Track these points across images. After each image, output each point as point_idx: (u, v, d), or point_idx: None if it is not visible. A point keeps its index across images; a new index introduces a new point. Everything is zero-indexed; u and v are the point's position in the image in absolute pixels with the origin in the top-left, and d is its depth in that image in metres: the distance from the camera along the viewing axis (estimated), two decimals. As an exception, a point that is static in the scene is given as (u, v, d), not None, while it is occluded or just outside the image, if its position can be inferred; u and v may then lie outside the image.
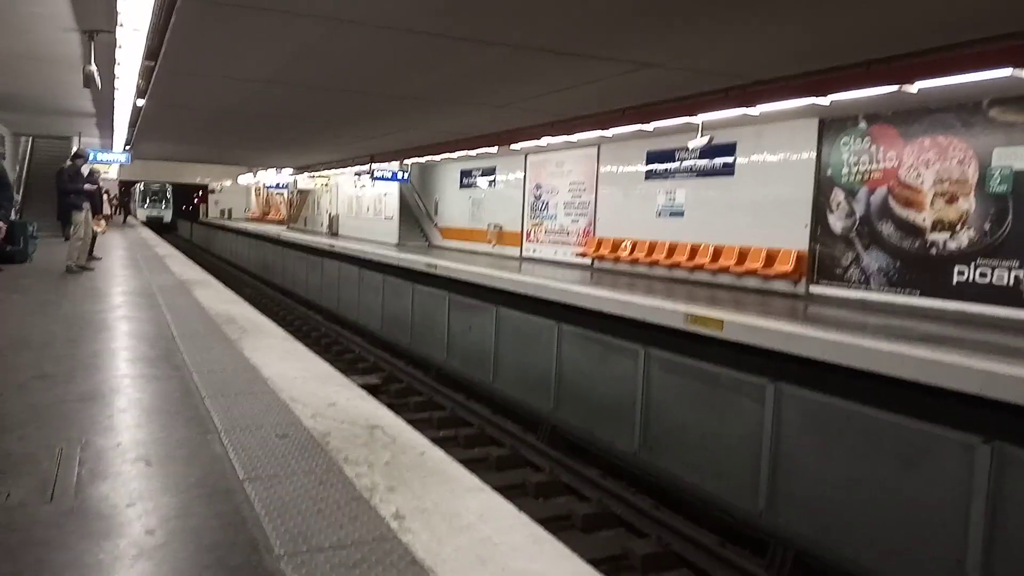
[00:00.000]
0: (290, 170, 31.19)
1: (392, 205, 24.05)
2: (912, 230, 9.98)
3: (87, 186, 11.79)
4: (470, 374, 12.11)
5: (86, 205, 11.60)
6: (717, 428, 6.98)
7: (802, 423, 6.12)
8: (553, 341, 9.75)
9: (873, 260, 10.54)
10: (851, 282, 10.87)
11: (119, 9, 6.49)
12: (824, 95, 8.50)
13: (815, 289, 11.41)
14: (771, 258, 12.03)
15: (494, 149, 16.30)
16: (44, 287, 9.44)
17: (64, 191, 11.28)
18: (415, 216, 24.33)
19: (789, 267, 11.67)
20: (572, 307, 9.74)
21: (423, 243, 23.56)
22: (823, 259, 11.32)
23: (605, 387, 8.71)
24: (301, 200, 34.70)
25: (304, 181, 32.18)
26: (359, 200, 26.96)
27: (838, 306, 10.48)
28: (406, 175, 22.31)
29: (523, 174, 18.86)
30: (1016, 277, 8.66)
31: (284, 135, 17.33)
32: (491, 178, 20.48)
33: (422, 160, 20.80)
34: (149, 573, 2.30)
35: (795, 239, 11.66)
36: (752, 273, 12.26)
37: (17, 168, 20.23)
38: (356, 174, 24.95)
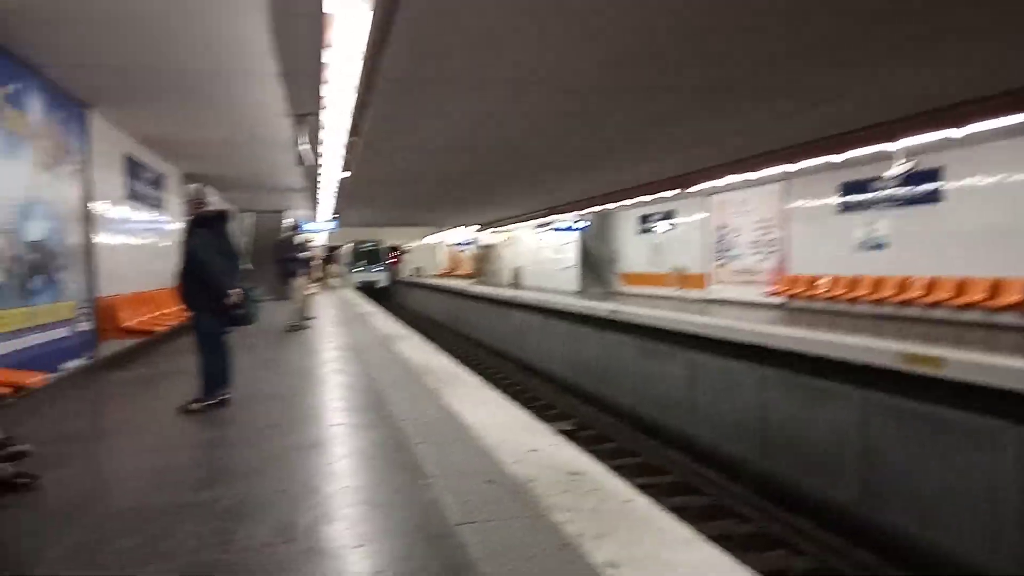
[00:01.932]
0: (475, 227, 32.63)
1: (572, 254, 24.38)
2: None
3: (303, 254, 12.99)
4: (664, 420, 11.81)
5: (302, 271, 12.77)
6: (952, 478, 6.26)
7: None
8: (755, 386, 9.31)
9: (1124, 285, 9.21)
10: (1098, 311, 9.55)
11: (322, 93, 7.19)
12: (1047, 106, 7.65)
13: (1053, 321, 10.12)
14: (996, 289, 10.85)
15: (673, 192, 16.12)
16: (268, 345, 10.42)
17: (283, 259, 12.51)
18: (595, 263, 24.48)
19: (1019, 297, 10.45)
20: (774, 350, 9.27)
21: (604, 289, 23.61)
22: (1060, 287, 10.05)
23: (816, 434, 8.14)
24: (485, 255, 36.11)
25: (487, 236, 33.49)
26: (540, 251, 27.59)
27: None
28: (585, 224, 22.58)
29: (704, 215, 18.47)
30: None
31: (467, 195, 18.25)
32: (671, 221, 20.25)
33: (600, 208, 20.99)
34: (382, 611, 2.43)
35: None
36: (973, 306, 11.10)
37: (244, 240, 22.76)
38: (537, 226, 25.61)
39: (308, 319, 13.85)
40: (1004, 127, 8.91)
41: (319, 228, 20.97)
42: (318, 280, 20.42)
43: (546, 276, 26.32)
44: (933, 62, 6.91)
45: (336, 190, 15.07)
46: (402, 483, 3.77)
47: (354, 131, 8.54)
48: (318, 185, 14.31)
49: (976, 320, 11.09)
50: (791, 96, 7.88)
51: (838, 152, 10.61)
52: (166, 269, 12.63)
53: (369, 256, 42.33)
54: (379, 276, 42.12)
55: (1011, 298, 10.59)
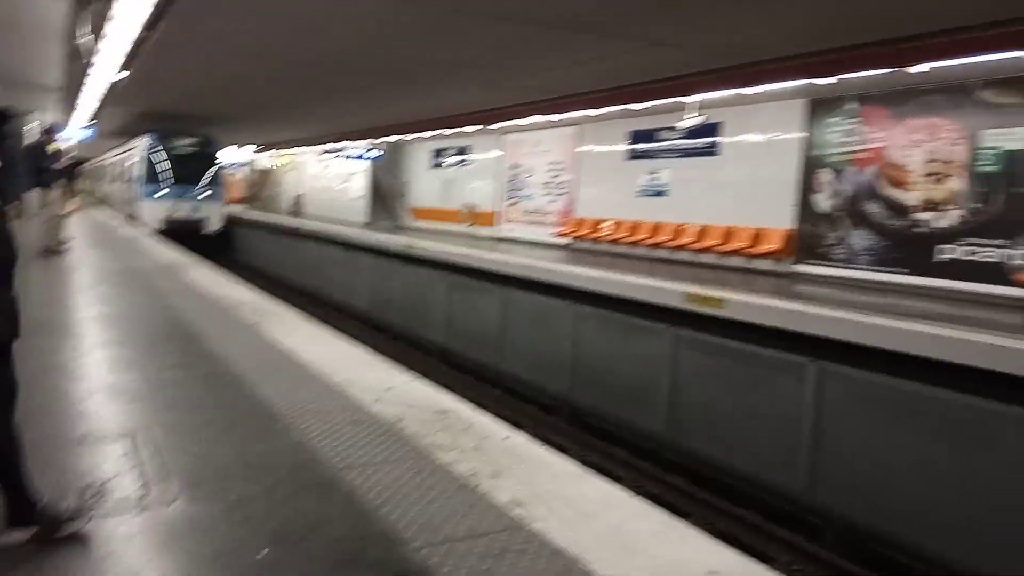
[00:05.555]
0: (251, 148, 30.46)
1: (361, 184, 23.65)
2: (900, 209, 10.16)
3: (57, 164, 11.28)
4: (476, 356, 11.98)
5: (58, 184, 11.10)
6: (755, 408, 7.05)
7: (844, 401, 6.23)
8: (569, 322, 9.68)
9: (859, 239, 10.72)
10: (837, 260, 11.05)
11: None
12: (826, 76, 8.58)
13: (801, 267, 11.57)
14: (757, 237, 12.17)
15: (473, 128, 16.10)
16: (26, 270, 9.00)
17: (38, 169, 10.75)
18: (384, 195, 23.99)
19: (775, 246, 11.81)
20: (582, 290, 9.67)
21: (392, 223, 23.27)
22: (809, 237, 11.48)
23: (627, 368, 8.71)
24: (262, 179, 33.91)
25: (266, 160, 31.45)
26: (326, 179, 26.46)
27: (824, 284, 10.65)
28: (378, 154, 21.95)
29: (498, 154, 18.70)
30: (1004, 255, 8.91)
31: (260, 112, 16.86)
32: (464, 158, 20.27)
33: (394, 139, 20.48)
34: (296, 570, 2.19)
35: (781, 218, 11.78)
36: (738, 252, 12.38)
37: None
38: (323, 152, 24.46)
39: (64, 242, 12.19)
40: (779, 89, 9.89)
41: (74, 136, 18.30)
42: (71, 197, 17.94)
43: (332, 205, 25.36)
44: (744, 20, 7.38)
45: (104, 93, 13.18)
46: (261, 427, 3.44)
47: (150, 25, 7.43)
48: (82, 85, 12.41)
49: (739, 265, 12.40)
50: (622, 38, 8.03)
51: (640, 101, 11.14)
52: None
53: (187, 168, 21.80)
54: (207, 209, 21.96)
55: (769, 246, 11.95)
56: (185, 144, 21.94)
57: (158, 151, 21.57)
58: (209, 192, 22.04)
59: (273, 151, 29.21)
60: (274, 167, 31.38)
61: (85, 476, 2.79)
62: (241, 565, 2.21)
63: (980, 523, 5.54)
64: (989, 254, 9.12)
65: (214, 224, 22.02)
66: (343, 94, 13.18)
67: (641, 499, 2.72)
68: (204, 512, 2.56)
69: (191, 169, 21.74)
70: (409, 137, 19.50)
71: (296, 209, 28.45)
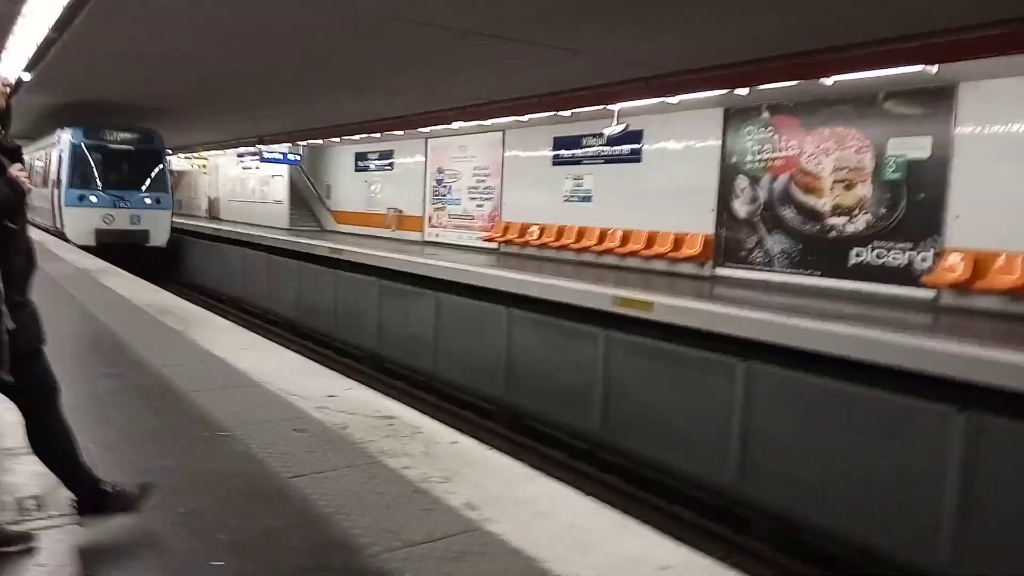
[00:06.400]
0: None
1: (281, 188, 23.18)
2: (812, 214, 10.67)
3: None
4: (408, 361, 11.90)
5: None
6: (686, 407, 7.26)
7: (772, 399, 6.50)
8: (503, 326, 9.74)
9: (775, 243, 11.20)
10: (755, 264, 11.51)
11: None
12: (741, 87, 8.93)
13: (720, 271, 11.99)
14: (679, 242, 12.53)
15: (399, 132, 16.03)
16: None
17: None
18: (305, 200, 23.57)
19: (696, 250, 12.20)
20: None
21: (315, 227, 22.88)
22: (728, 242, 11.91)
23: (562, 370, 8.81)
24: (175, 182, 32.73)
25: (178, 162, 30.41)
26: (243, 182, 25.80)
27: (743, 287, 11.07)
28: (299, 158, 21.55)
29: (423, 158, 18.66)
30: (909, 258, 9.48)
31: (175, 116, 16.29)
32: (388, 161, 20.13)
33: (317, 142, 20.17)
34: (255, 580, 2.19)
35: (702, 223, 12.18)
36: (660, 256, 12.73)
37: None
38: (239, 155, 23.83)
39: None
40: (700, 99, 10.26)
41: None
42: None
43: (251, 210, 24.76)
44: (666, 33, 7.63)
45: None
46: (200, 438, 3.37)
47: (61, 25, 7.12)
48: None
49: (663, 269, 12.75)
50: (549, 48, 8.15)
51: (565, 108, 11.33)
52: None
53: (124, 168, 18.12)
54: (151, 219, 18.31)
55: (690, 251, 12.33)
56: (121, 139, 18.11)
57: (85, 148, 17.80)
58: (153, 198, 18.42)
59: (187, 153, 28.28)
60: (189, 170, 30.40)
61: (18, 490, 2.70)
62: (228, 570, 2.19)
63: (882, 504, 5.92)
64: (896, 257, 9.67)
65: (159, 237, 18.55)
66: (267, 98, 12.92)
67: (591, 498, 2.81)
68: (155, 524, 2.51)
69: (129, 170, 18.12)
70: (333, 140, 19.23)
71: (212, 214, 27.67)
